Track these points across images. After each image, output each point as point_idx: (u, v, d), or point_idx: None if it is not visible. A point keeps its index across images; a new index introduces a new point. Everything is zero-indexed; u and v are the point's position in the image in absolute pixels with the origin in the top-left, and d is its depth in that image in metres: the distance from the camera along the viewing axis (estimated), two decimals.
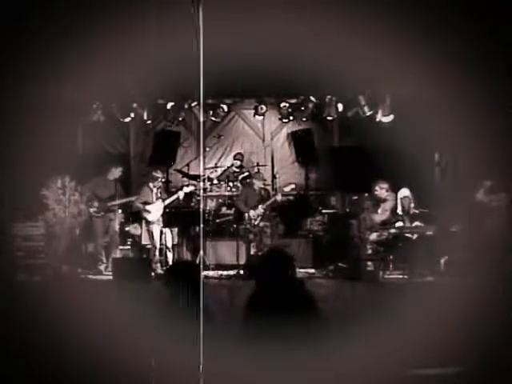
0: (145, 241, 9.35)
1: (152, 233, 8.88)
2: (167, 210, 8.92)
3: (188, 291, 3.70)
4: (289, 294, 3.42)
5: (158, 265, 8.70)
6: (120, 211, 9.33)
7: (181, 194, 9.10)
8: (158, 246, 8.85)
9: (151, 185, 9.00)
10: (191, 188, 9.39)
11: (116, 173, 9.15)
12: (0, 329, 5.67)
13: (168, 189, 9.95)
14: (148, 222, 8.92)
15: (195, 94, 9.19)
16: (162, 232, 8.92)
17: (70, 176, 8.66)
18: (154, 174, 9.04)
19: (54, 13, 7.11)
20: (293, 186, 9.27)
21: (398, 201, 8.34)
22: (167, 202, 8.98)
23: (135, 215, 9.47)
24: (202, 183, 9.95)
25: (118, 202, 9.07)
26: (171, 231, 9.03)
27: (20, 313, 6.08)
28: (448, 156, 8.68)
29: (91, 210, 8.92)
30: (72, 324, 5.70)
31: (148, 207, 8.87)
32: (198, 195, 9.68)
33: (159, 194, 9.02)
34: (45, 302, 6.27)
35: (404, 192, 8.32)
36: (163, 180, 9.32)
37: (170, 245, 8.95)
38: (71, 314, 5.87)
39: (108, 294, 7.05)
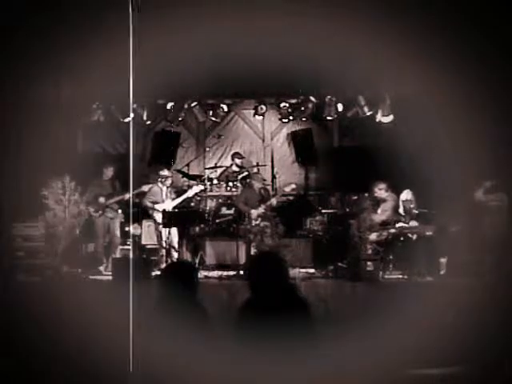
0: (145, 241, 9.36)
1: (161, 233, 8.88)
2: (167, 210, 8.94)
3: (186, 291, 3.70)
4: (282, 298, 3.42)
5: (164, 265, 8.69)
6: (120, 211, 9.33)
7: (190, 193, 9.11)
8: (166, 245, 8.83)
9: (160, 184, 9.02)
10: (201, 187, 9.37)
11: (108, 173, 9.14)
12: (0, 329, 5.68)
13: None
14: (158, 223, 8.90)
15: (195, 94, 9.20)
16: (169, 232, 8.91)
17: (70, 176, 8.65)
18: (161, 173, 9.04)
19: (54, 13, 7.11)
20: (293, 186, 9.26)
21: (400, 203, 8.34)
22: (177, 201, 8.98)
23: (135, 215, 9.47)
24: (202, 183, 9.96)
25: (111, 200, 9.05)
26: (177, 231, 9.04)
27: (20, 313, 6.08)
28: (448, 156, 8.67)
29: (90, 210, 8.92)
30: (72, 324, 5.71)
31: (157, 207, 8.88)
32: (199, 195, 9.68)
33: (169, 194, 9.03)
34: (45, 302, 6.27)
35: (407, 195, 8.32)
36: (172, 178, 9.30)
37: (175, 244, 8.94)
38: (71, 314, 5.87)
39: (108, 294, 7.05)
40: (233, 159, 10.55)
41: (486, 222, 7.98)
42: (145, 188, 9.09)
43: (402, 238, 8.12)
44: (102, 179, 9.18)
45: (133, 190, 9.12)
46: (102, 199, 9.00)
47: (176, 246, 8.92)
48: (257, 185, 9.11)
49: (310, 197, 10.75)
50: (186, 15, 7.31)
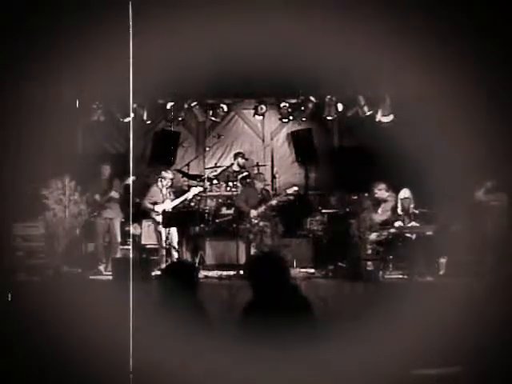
0: (145, 241, 9.36)
1: (160, 233, 8.89)
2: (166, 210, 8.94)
3: (185, 291, 3.71)
4: (284, 298, 3.42)
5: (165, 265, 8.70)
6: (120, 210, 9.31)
7: (190, 195, 9.14)
8: (166, 246, 8.84)
9: (160, 185, 9.02)
10: (200, 189, 9.38)
11: (106, 172, 9.13)
12: (0, 329, 5.68)
13: None
14: (157, 223, 8.91)
15: (195, 93, 9.21)
16: (169, 232, 8.92)
17: (70, 176, 8.65)
18: (164, 173, 9.04)
19: (54, 13, 7.11)
20: (296, 188, 9.27)
21: (399, 201, 8.35)
22: (175, 202, 9.00)
23: (136, 215, 9.47)
24: (202, 183, 9.96)
25: (102, 199, 9.00)
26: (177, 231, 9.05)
27: (20, 313, 6.08)
28: (448, 156, 8.68)
29: (88, 210, 8.91)
30: (72, 324, 5.71)
31: (157, 208, 8.89)
32: (199, 195, 9.68)
33: (168, 195, 9.03)
34: (45, 302, 6.27)
35: (405, 193, 8.33)
36: (172, 180, 9.29)
37: (176, 245, 8.95)
38: (71, 314, 5.87)
39: (108, 293, 7.05)
40: (235, 158, 10.54)
41: (486, 222, 7.98)
42: (128, 181, 9.07)
43: (401, 238, 8.13)
44: (101, 179, 9.17)
45: (120, 185, 9.11)
46: (97, 197, 8.98)
47: (176, 245, 8.94)
48: (258, 185, 9.12)
49: (310, 197, 10.75)
50: (186, 15, 7.31)
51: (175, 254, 8.89)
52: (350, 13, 7.20)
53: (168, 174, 9.09)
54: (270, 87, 9.75)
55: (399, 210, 8.33)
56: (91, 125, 10.17)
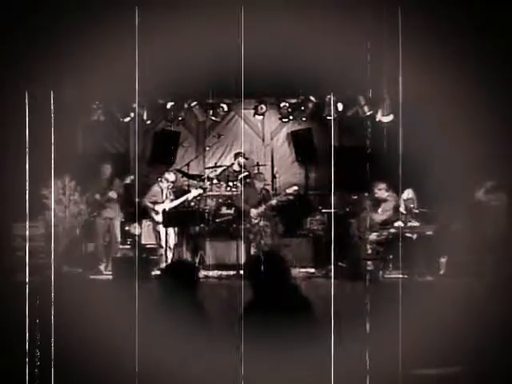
0: (145, 240, 9.37)
1: (159, 233, 8.91)
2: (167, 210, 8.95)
3: (185, 291, 3.71)
4: (284, 298, 3.42)
5: (164, 264, 8.71)
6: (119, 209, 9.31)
7: (190, 196, 9.16)
8: (164, 245, 8.87)
9: (162, 185, 9.04)
10: (200, 191, 9.40)
11: (106, 172, 9.12)
12: (0, 329, 5.68)
13: None
14: (156, 222, 8.94)
15: (195, 93, 9.19)
16: (166, 232, 8.95)
17: (70, 176, 8.65)
18: (166, 175, 9.07)
19: (54, 13, 7.11)
20: (296, 188, 9.27)
21: (401, 201, 8.37)
22: (175, 203, 9.02)
23: (135, 214, 9.48)
24: (202, 183, 9.96)
25: (104, 197, 8.99)
26: (174, 231, 9.06)
27: (20, 313, 6.08)
28: (448, 156, 8.68)
29: (88, 210, 8.91)
30: (72, 324, 5.71)
31: (156, 207, 8.91)
32: (199, 195, 9.69)
33: (168, 195, 9.06)
34: (45, 302, 6.27)
35: (408, 193, 8.36)
36: (174, 183, 9.31)
37: (171, 245, 8.98)
38: (71, 314, 5.87)
39: (108, 293, 7.05)
40: (236, 158, 10.54)
41: (486, 222, 7.98)
42: (127, 180, 9.07)
43: (402, 238, 8.13)
44: (101, 178, 9.18)
45: (120, 185, 9.11)
46: (97, 196, 8.98)
47: (172, 245, 8.96)
48: (258, 184, 9.13)
49: (310, 196, 10.75)
50: (186, 15, 7.31)
51: (170, 255, 8.92)
52: (350, 13, 7.20)
53: (170, 176, 9.12)
54: (270, 87, 9.75)
55: (402, 209, 8.36)
56: (91, 125, 10.17)
